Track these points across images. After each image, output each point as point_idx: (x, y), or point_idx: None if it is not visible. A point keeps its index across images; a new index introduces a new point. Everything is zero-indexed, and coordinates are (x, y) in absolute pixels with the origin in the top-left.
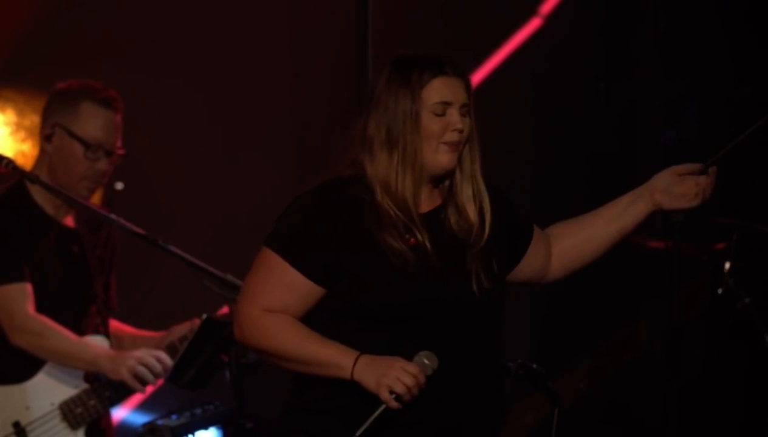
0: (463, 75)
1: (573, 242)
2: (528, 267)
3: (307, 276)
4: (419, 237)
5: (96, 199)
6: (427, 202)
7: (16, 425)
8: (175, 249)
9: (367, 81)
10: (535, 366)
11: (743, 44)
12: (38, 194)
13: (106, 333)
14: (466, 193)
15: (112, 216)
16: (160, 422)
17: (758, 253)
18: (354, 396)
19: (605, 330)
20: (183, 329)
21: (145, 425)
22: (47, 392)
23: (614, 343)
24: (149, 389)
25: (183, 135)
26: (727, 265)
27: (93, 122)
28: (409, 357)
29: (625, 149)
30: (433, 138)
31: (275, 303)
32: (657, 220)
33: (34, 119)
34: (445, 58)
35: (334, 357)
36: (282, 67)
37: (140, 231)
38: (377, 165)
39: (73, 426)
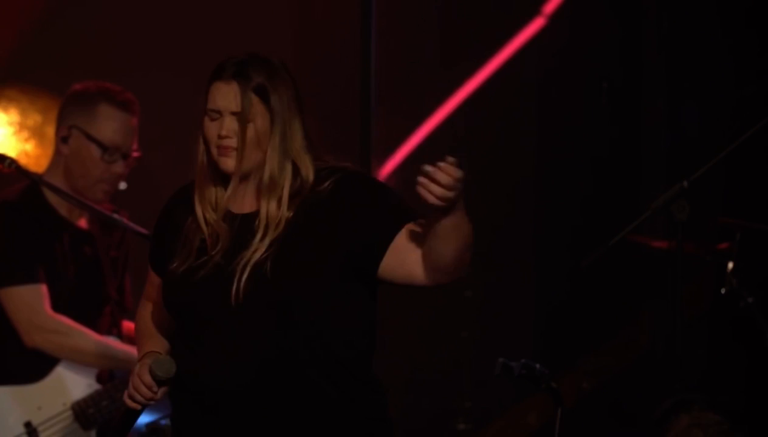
0: (244, 80)
1: (424, 249)
2: (394, 269)
3: (152, 268)
4: (213, 238)
5: None
6: (253, 203)
7: (28, 425)
8: None
9: (370, 81)
10: (537, 366)
11: (745, 45)
12: (52, 196)
13: (119, 334)
14: (261, 196)
15: (115, 216)
16: (163, 422)
17: (761, 253)
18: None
19: (608, 331)
20: None
21: (148, 425)
22: (59, 392)
23: (617, 343)
24: None
25: (186, 134)
26: (730, 265)
27: (110, 125)
28: (193, 357)
29: (628, 149)
30: (210, 142)
31: (149, 295)
32: (659, 220)
33: (37, 119)
34: (235, 60)
35: (139, 354)
36: None
37: (143, 231)
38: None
39: (85, 426)
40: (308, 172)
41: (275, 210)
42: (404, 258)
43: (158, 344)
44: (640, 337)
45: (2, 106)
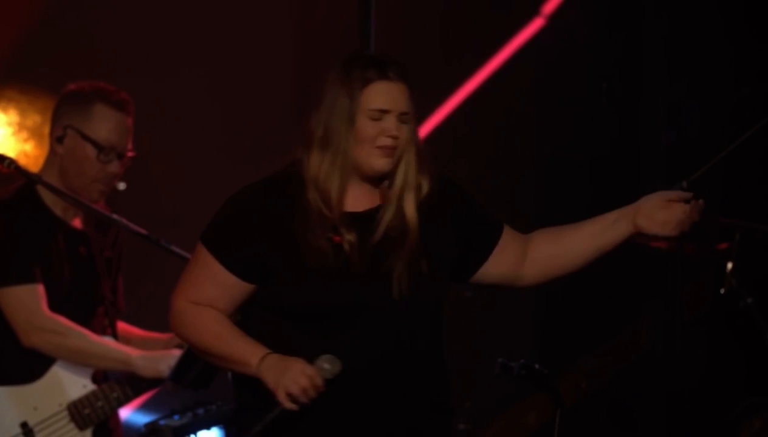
0: (407, 81)
1: (552, 251)
2: (496, 268)
3: (230, 271)
4: (343, 236)
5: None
6: (364, 201)
7: (24, 425)
8: (177, 250)
9: None
10: (537, 366)
11: (745, 44)
12: (47, 196)
13: (114, 335)
14: (404, 195)
15: (115, 216)
16: (162, 422)
17: (761, 253)
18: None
19: (607, 331)
20: None
21: (147, 425)
22: (55, 392)
23: (616, 344)
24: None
25: (185, 134)
26: (730, 265)
27: (106, 125)
28: (344, 353)
29: (627, 149)
30: (367, 141)
31: (202, 296)
32: None
33: (36, 119)
34: (391, 61)
35: (242, 355)
36: (285, 67)
37: (143, 231)
38: (311, 162)
39: (81, 426)
40: (432, 171)
41: (415, 209)
42: (508, 258)
43: (259, 344)
44: (640, 337)
45: (2, 106)
